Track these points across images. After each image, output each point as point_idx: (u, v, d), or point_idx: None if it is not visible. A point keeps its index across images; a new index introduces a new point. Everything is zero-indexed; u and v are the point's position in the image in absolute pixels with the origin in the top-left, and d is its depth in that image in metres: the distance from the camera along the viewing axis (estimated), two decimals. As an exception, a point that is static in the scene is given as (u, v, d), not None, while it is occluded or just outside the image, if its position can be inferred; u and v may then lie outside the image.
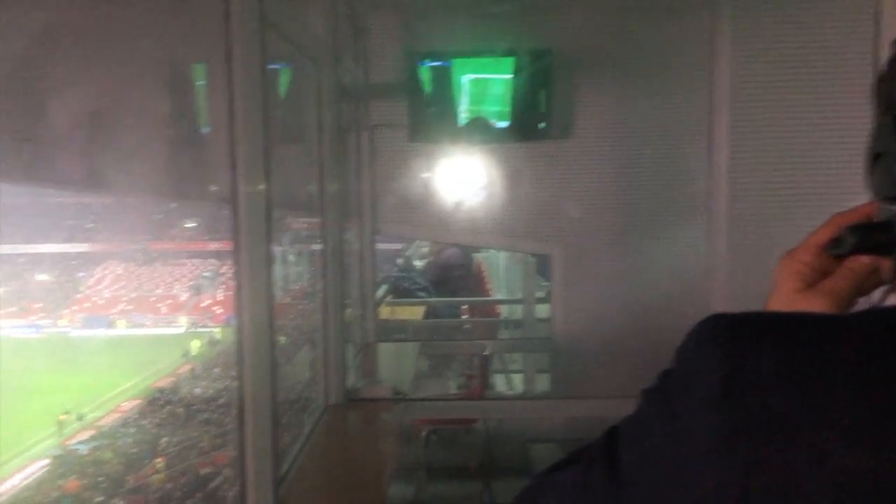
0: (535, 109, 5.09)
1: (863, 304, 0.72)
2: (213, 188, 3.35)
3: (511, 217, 5.44)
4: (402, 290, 7.56)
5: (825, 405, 0.53)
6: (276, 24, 2.91)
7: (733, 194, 4.60)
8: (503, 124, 5.11)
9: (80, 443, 17.16)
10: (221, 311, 26.97)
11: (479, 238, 5.98)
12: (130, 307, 28.78)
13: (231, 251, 2.73)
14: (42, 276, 28.45)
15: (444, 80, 5.05)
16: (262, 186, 2.72)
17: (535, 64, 5.06)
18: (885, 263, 0.72)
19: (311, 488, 3.49)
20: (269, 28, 2.70)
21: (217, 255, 28.72)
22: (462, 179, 5.38)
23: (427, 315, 7.49)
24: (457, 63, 5.06)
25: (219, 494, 12.86)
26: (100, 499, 14.20)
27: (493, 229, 5.50)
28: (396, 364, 5.46)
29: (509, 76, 5.06)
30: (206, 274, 29.70)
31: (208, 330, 25.35)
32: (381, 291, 6.93)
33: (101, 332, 26.90)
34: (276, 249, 3.08)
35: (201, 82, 3.19)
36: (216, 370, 19.79)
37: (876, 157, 0.70)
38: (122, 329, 27.65)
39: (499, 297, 9.12)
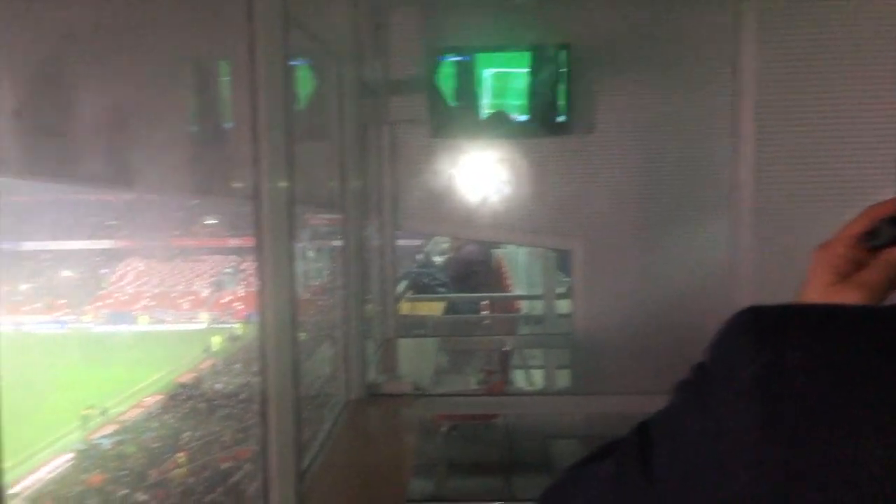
0: (556, 103, 5.06)
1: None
2: (236, 185, 3.37)
3: (531, 212, 5.42)
4: (422, 286, 7.57)
5: (861, 397, 0.52)
6: (299, 21, 2.92)
7: (758, 188, 4.56)
8: (524, 119, 5.10)
9: (104, 437, 17.37)
10: (242, 307, 27.18)
11: (499, 234, 5.97)
12: (153, 303, 29.09)
13: (251, 247, 2.75)
14: (66, 273, 28.82)
15: (464, 75, 5.03)
16: (284, 183, 2.74)
17: (556, 57, 5.03)
18: None
19: (333, 483, 3.51)
20: (291, 24, 2.71)
21: (237, 251, 28.95)
22: (482, 175, 5.37)
23: (447, 311, 7.50)
24: (477, 58, 5.04)
25: (240, 489, 12.96)
26: (123, 492, 14.35)
27: (514, 225, 5.48)
28: (416, 360, 5.47)
29: (530, 70, 5.04)
30: (226, 270, 29.94)
31: (229, 326, 25.58)
32: (401, 287, 6.95)
33: (125, 328, 27.21)
34: (297, 245, 3.09)
35: (225, 79, 3.21)
36: (237, 366, 19.94)
37: None
38: (144, 325, 27.95)
39: (519, 292, 9.10)
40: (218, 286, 29.68)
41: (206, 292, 29.64)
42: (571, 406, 5.35)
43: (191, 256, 30.94)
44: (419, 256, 9.70)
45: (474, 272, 7.82)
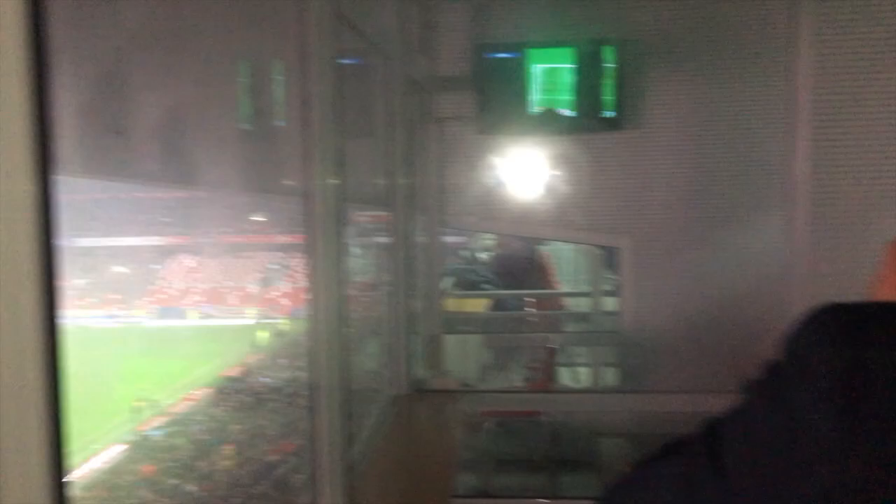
0: (605, 99, 5.01)
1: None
2: (287, 182, 3.42)
3: (579, 209, 5.38)
4: (467, 283, 7.57)
5: None
6: (349, 19, 2.95)
7: (815, 184, 4.45)
8: (572, 115, 5.06)
9: (155, 429, 17.75)
10: (288, 302, 27.56)
11: (545, 230, 5.94)
12: (201, 298, 29.68)
13: (298, 244, 2.79)
14: (120, 269, 29.56)
15: (512, 72, 5.02)
16: (335, 180, 2.77)
17: (605, 53, 4.98)
18: None
19: (380, 477, 3.54)
20: (341, 23, 2.74)
21: (284, 247, 29.33)
22: (529, 171, 5.35)
23: (492, 307, 7.49)
24: (525, 54, 5.02)
25: (285, 481, 13.14)
26: (173, 483, 14.66)
27: (561, 221, 5.46)
28: (462, 356, 5.48)
29: (578, 66, 5.00)
30: (273, 266, 30.38)
31: (275, 321, 25.94)
32: (446, 284, 6.96)
33: (174, 323, 27.82)
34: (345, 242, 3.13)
35: (276, 77, 3.26)
36: (283, 360, 20.21)
37: None
38: (193, 319, 28.54)
39: (564, 289, 9.04)
40: (265, 282, 30.14)
41: (253, 288, 30.13)
42: (619, 404, 5.30)
43: (239, 253, 31.48)
44: (465, 253, 9.69)
45: (520, 269, 7.79)
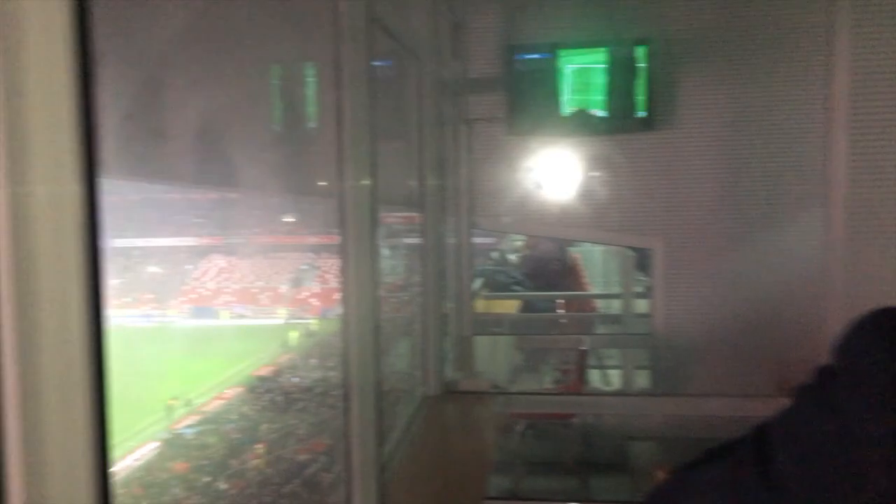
0: (637, 99, 4.97)
1: None
2: (321, 183, 3.44)
3: (610, 210, 5.34)
4: (497, 284, 7.56)
5: None
6: (382, 22, 2.96)
7: (852, 185, 4.37)
8: (605, 115, 5.02)
9: (187, 427, 17.97)
10: (318, 303, 27.78)
11: (576, 232, 5.91)
12: (233, 298, 30.05)
13: (328, 245, 2.80)
14: (153, 269, 30.04)
15: (542, 72, 5.00)
16: (368, 182, 2.78)
17: (636, 53, 4.94)
18: None
19: (412, 478, 3.54)
20: (374, 26, 2.75)
21: (314, 248, 29.58)
22: (560, 172, 5.33)
23: (523, 309, 7.47)
24: (556, 54, 5.00)
25: (315, 481, 13.22)
26: (205, 481, 14.82)
27: (592, 223, 5.42)
28: (492, 357, 5.47)
29: (609, 66, 4.96)
30: (303, 267, 30.64)
31: (306, 321, 26.15)
32: (477, 285, 6.96)
33: (206, 322, 28.19)
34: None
35: (309, 80, 3.29)
36: (313, 360, 20.36)
37: None
38: (225, 319, 28.90)
39: (595, 291, 8.99)
40: (295, 282, 30.43)
41: (283, 288, 30.42)
42: (650, 407, 5.25)
43: (270, 253, 31.83)
44: (495, 254, 9.69)
45: (550, 270, 7.76)
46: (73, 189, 1.17)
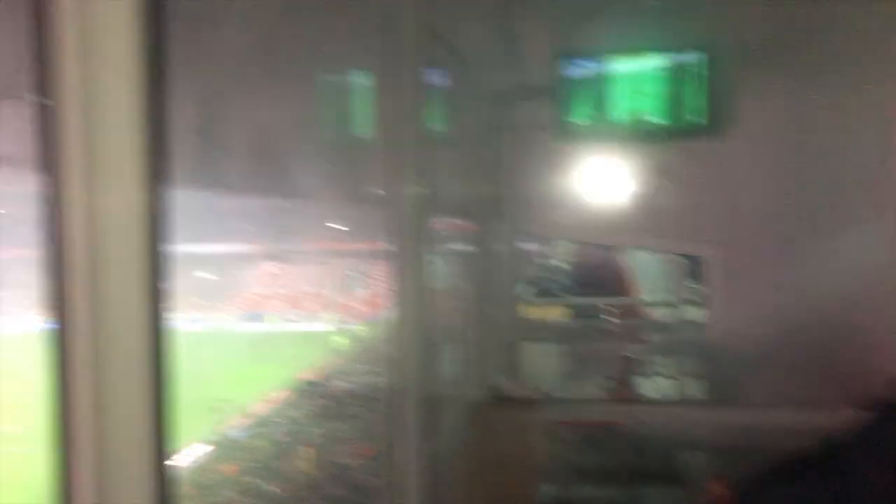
0: (694, 106, 4.87)
1: None
2: (372, 191, 3.47)
3: (663, 217, 5.25)
4: (545, 290, 7.51)
5: None
6: (435, 30, 2.98)
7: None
8: (661, 122, 4.94)
9: (237, 430, 18.24)
10: (365, 309, 28.01)
11: (628, 238, 5.84)
12: (282, 304, 30.51)
13: (376, 251, 2.82)
14: (203, 274, 30.64)
15: (595, 79, 4.95)
16: (419, 189, 2.79)
17: (695, 59, 4.84)
18: None
19: (460, 485, 3.54)
20: (427, 35, 2.77)
21: (362, 255, 29.86)
22: (611, 179, 5.26)
23: (571, 315, 7.40)
24: (610, 60, 4.94)
25: (361, 484, 13.29)
26: (254, 483, 15.02)
27: (644, 229, 5.34)
28: (540, 364, 5.44)
29: (666, 73, 4.87)
30: (351, 273, 30.95)
31: (353, 327, 26.37)
32: (524, 291, 6.93)
33: (256, 327, 28.65)
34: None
35: (362, 89, 3.32)
36: (360, 365, 20.50)
37: None
38: (273, 324, 29.33)
39: (645, 298, 8.86)
40: (343, 288, 30.75)
41: (331, 294, 30.76)
42: (702, 416, 5.14)
43: (318, 260, 32.23)
44: (544, 261, 9.63)
45: (599, 277, 7.68)
46: (139, 197, 1.20)
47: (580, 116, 5.01)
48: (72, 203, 1.16)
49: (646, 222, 5.30)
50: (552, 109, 4.98)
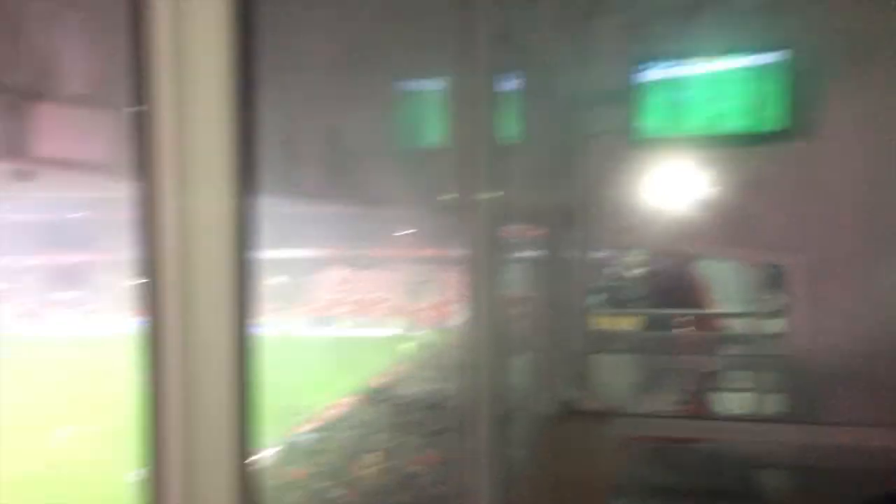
0: (776, 108, 4.70)
1: None
2: (444, 198, 3.49)
3: (742, 224, 5.08)
4: (618, 301, 7.39)
5: None
6: (508, 36, 2.97)
7: None
8: (740, 126, 4.79)
9: (304, 434, 18.51)
10: (434, 315, 28.14)
11: (704, 247, 5.67)
12: (350, 310, 30.93)
13: (445, 257, 2.82)
14: (272, 280, 31.32)
15: (673, 83, 4.84)
16: (492, 196, 2.78)
17: (777, 59, 4.68)
18: None
19: (528, 497, 3.49)
20: (501, 40, 2.76)
21: (432, 261, 30.03)
22: (688, 185, 5.13)
23: (645, 326, 7.25)
24: (688, 63, 4.82)
25: (427, 492, 13.30)
26: (322, 486, 15.21)
27: (721, 237, 5.18)
28: (612, 376, 5.33)
29: (747, 74, 4.73)
30: (420, 279, 31.17)
31: (421, 333, 26.52)
32: (596, 301, 6.82)
33: (325, 332, 29.12)
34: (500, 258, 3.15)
35: (437, 95, 3.34)
36: (429, 372, 20.57)
37: None
38: (342, 329, 29.75)
39: (721, 309, 8.60)
40: (411, 294, 30.98)
41: (401, 300, 31.03)
42: (781, 433, 4.94)
43: (387, 265, 32.60)
44: (617, 270, 9.48)
45: (674, 287, 7.51)
46: (230, 202, 1.22)
47: (657, 122, 4.91)
48: (165, 208, 1.19)
49: (723, 230, 5.14)
50: (628, 114, 4.89)
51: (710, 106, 4.81)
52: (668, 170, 5.16)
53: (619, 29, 5.13)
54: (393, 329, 29.00)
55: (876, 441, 3.99)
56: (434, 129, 3.36)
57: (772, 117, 4.73)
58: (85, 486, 14.59)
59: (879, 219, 4.79)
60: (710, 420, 5.59)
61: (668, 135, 4.93)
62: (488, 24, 2.69)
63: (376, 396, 19.91)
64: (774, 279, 6.05)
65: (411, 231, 31.51)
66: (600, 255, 6.44)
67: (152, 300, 1.24)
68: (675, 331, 7.72)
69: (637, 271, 9.03)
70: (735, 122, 4.80)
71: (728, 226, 5.11)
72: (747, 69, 4.74)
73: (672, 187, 5.14)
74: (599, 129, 5.13)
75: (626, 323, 7.34)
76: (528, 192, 4.16)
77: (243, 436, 1.35)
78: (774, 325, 6.08)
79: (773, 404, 5.95)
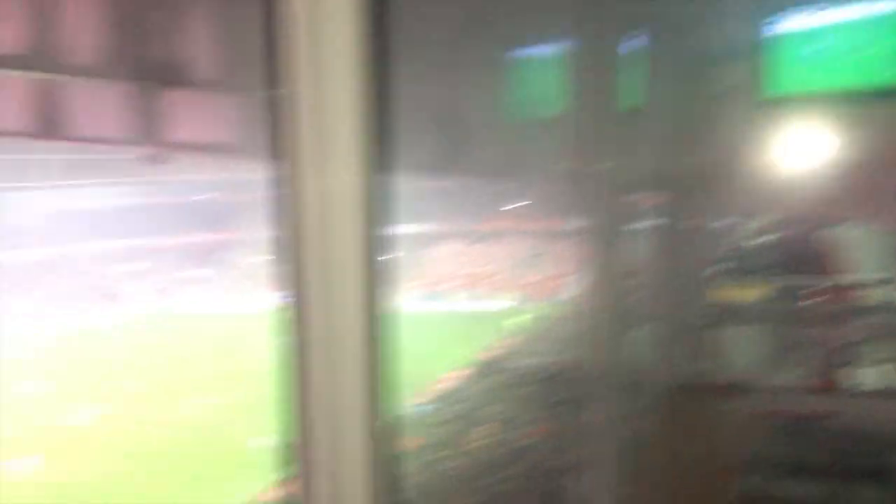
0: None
1: None
2: (561, 168, 3.44)
3: (880, 188, 4.75)
4: (744, 270, 7.07)
5: None
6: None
7: None
8: (881, 80, 4.43)
9: (417, 406, 18.95)
10: (546, 288, 28.01)
11: (838, 211, 5.34)
12: (463, 284, 31.25)
13: (556, 230, 2.78)
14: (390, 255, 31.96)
15: (807, 36, 4.53)
16: (612, 164, 2.72)
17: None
18: None
19: (649, 473, 3.44)
20: (619, 2, 2.68)
21: (543, 234, 29.85)
22: (821, 146, 4.82)
23: (772, 297, 6.92)
24: (824, 11, 4.48)
25: (541, 465, 13.32)
26: (435, 457, 15.54)
27: (857, 201, 4.87)
28: (736, 349, 5.15)
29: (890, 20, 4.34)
30: (532, 252, 31.07)
31: (532, 307, 26.47)
32: (720, 270, 6.56)
33: (437, 307, 29.59)
34: (614, 228, 3.07)
35: (556, 63, 3.28)
36: (541, 346, 20.50)
37: None
38: (455, 304, 30.15)
39: (857, 277, 8.06)
40: (524, 268, 30.94)
41: (512, 273, 31.07)
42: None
43: (498, 239, 32.67)
44: (742, 237, 9.06)
45: (805, 254, 7.11)
46: (366, 180, 1.25)
47: (790, 77, 4.61)
48: (305, 186, 1.24)
49: (859, 193, 4.81)
50: (758, 71, 4.61)
51: (849, 58, 4.45)
52: (801, 129, 4.86)
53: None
54: (505, 303, 29.11)
55: None
56: (551, 98, 3.30)
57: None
58: (214, 450, 15.56)
59: None
60: (842, 395, 5.31)
61: (802, 92, 4.62)
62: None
63: (489, 369, 20.09)
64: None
65: (524, 203, 31.37)
66: (725, 221, 6.17)
67: (294, 276, 1.30)
68: (804, 301, 7.31)
69: (764, 238, 8.58)
70: (875, 75, 4.43)
71: (864, 189, 4.78)
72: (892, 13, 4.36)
73: (804, 148, 4.84)
74: (727, 88, 4.85)
75: (752, 293, 7.01)
76: (650, 159, 4.04)
77: (379, 399, 1.39)
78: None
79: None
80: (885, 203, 4.80)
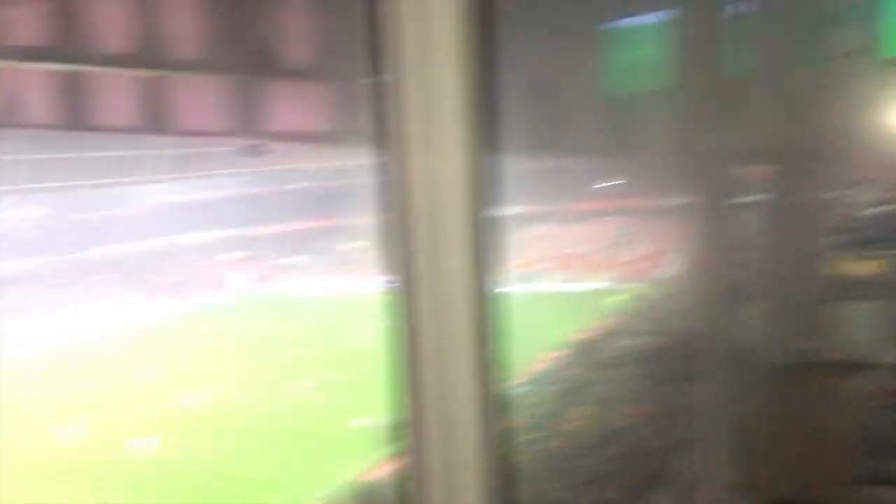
0: None
1: None
2: (662, 144, 3.34)
3: None
4: (861, 242, 6.67)
5: None
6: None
7: None
8: None
9: (518, 386, 18.94)
10: (642, 268, 27.38)
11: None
12: (557, 264, 30.96)
13: (653, 208, 2.69)
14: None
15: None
16: (720, 136, 2.62)
17: None
18: None
19: (763, 454, 3.33)
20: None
21: (639, 212, 29.15)
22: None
23: (890, 271, 6.51)
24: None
25: (636, 446, 13.08)
26: (532, 438, 15.53)
27: None
28: (853, 325, 4.90)
29: None
30: (628, 231, 30.42)
31: (629, 286, 25.92)
32: (835, 243, 6.22)
33: (529, 287, 29.45)
34: (724, 202, 2.95)
35: (654, 31, 3.18)
36: (640, 325, 20.08)
37: None
38: (547, 284, 29.91)
39: None
40: (619, 247, 30.35)
41: (605, 253, 30.54)
42: None
43: (593, 218, 32.13)
44: (858, 208, 8.56)
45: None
46: (472, 163, 1.25)
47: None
48: (413, 172, 1.24)
49: None
50: (876, 31, 4.31)
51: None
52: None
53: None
54: (602, 283, 28.69)
55: None
56: (656, 69, 3.20)
57: None
58: (320, 429, 16.08)
59: None
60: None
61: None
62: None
63: (584, 350, 19.88)
64: None
65: (620, 182, 30.71)
66: (839, 193, 5.82)
67: (403, 258, 1.31)
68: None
69: (883, 208, 8.07)
70: None
71: None
72: None
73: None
74: (842, 51, 4.54)
75: (871, 266, 6.62)
76: (757, 129, 3.85)
77: (488, 378, 1.40)
78: None
79: None
80: None
